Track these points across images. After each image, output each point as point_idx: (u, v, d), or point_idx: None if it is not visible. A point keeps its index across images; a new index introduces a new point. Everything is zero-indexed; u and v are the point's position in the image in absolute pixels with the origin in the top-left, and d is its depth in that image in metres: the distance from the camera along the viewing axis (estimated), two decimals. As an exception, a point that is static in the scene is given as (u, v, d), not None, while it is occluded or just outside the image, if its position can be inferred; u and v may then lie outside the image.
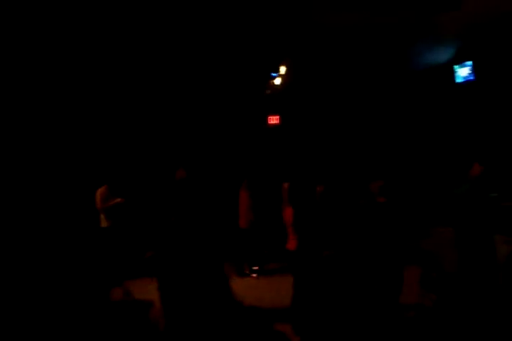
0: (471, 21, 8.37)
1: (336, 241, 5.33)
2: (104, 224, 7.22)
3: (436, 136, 10.50)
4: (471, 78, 9.88)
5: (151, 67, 9.22)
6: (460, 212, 5.07)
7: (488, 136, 9.86)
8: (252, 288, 6.87)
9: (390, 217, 4.54)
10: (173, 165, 8.48)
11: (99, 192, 7.22)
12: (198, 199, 7.85)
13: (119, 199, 7.26)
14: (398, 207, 4.67)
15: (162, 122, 9.99)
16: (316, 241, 4.80)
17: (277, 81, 10.26)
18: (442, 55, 10.19)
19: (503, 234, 6.32)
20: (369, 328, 3.24)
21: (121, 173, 8.02)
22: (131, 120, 9.62)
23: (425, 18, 8.39)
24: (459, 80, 10.25)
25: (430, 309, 4.39)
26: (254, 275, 7.84)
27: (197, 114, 10.26)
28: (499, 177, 8.81)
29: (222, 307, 2.01)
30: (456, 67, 10.24)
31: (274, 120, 11.03)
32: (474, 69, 9.79)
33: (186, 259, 2.19)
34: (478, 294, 4.19)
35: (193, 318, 1.96)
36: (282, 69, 10.04)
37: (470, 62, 9.84)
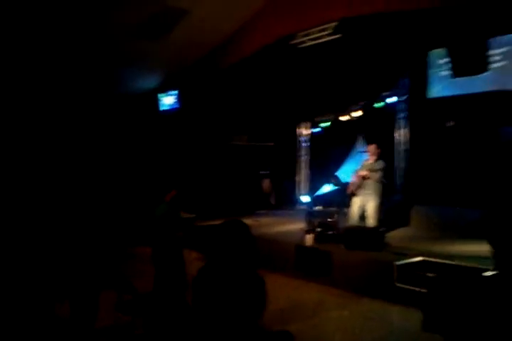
0: (177, 51, 9.01)
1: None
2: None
3: (139, 160, 10.73)
4: (176, 106, 10.56)
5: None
6: (156, 231, 5.30)
7: (187, 161, 10.74)
8: None
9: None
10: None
11: None
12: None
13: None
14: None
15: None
16: None
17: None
18: (149, 82, 10.62)
19: (196, 250, 6.90)
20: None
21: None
22: None
23: (133, 44, 8.62)
24: (163, 108, 10.84)
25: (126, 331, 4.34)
26: None
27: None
28: (196, 200, 9.72)
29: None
30: (160, 95, 10.79)
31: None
32: (179, 98, 10.49)
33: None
34: (171, 311, 4.32)
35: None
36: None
37: (175, 91, 10.52)
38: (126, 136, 10.71)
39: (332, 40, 7.52)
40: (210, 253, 2.60)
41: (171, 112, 10.71)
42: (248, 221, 9.63)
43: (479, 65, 6.12)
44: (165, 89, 10.71)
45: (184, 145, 10.80)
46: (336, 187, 8.30)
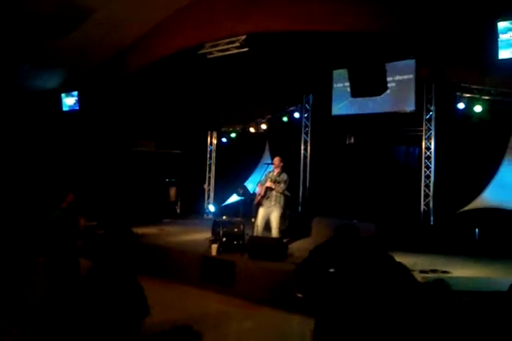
0: (80, 51, 8.61)
1: None
2: None
3: (38, 161, 10.06)
4: (76, 107, 10.11)
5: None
6: (49, 239, 4.99)
7: (89, 166, 10.27)
8: None
9: None
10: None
11: None
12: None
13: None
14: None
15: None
16: None
17: None
18: (51, 81, 10.06)
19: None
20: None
21: None
22: None
23: (37, 42, 8.11)
24: (65, 108, 10.33)
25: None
26: None
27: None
28: (100, 207, 9.31)
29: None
30: (63, 95, 10.28)
31: None
32: (79, 99, 10.05)
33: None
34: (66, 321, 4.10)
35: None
36: None
37: (76, 92, 10.07)
38: (24, 135, 9.99)
39: (242, 52, 7.69)
40: (95, 258, 2.76)
41: (72, 113, 10.22)
42: (153, 229, 9.54)
43: (376, 87, 6.61)
44: (68, 90, 10.21)
45: (86, 149, 10.32)
46: (243, 198, 8.42)
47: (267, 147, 10.72)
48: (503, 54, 5.78)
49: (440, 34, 6.36)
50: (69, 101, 10.27)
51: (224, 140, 11.71)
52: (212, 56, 7.98)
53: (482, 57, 6.12)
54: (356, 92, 6.96)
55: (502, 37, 5.78)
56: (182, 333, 2.59)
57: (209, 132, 11.85)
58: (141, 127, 10.84)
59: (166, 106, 10.38)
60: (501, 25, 5.78)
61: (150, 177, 11.18)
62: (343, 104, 9.30)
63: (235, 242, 7.00)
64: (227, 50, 7.72)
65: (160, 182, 11.43)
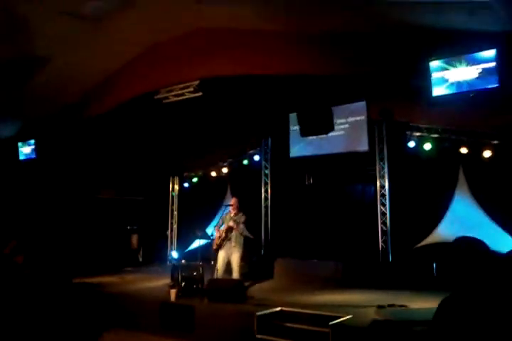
0: (36, 100, 8.67)
1: None
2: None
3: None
4: (33, 156, 10.05)
5: None
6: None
7: (42, 214, 10.04)
8: None
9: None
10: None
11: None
12: None
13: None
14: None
15: None
16: None
17: None
18: (7, 130, 10.03)
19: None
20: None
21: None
22: None
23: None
24: (22, 157, 10.24)
25: None
26: None
27: None
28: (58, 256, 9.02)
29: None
30: (19, 143, 10.24)
31: None
32: (36, 148, 10.01)
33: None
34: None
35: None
36: None
37: (33, 141, 10.04)
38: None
39: (198, 97, 7.92)
40: None
41: (29, 162, 10.14)
42: (113, 278, 9.30)
43: (323, 127, 6.91)
44: (25, 138, 10.18)
45: (43, 198, 10.13)
46: (205, 241, 8.34)
47: (229, 190, 10.79)
48: (437, 91, 6.19)
49: (384, 76, 6.75)
50: (25, 149, 10.21)
51: (186, 185, 11.73)
52: (167, 101, 8.19)
53: (422, 96, 6.50)
54: (305, 132, 7.24)
55: (434, 75, 6.21)
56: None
57: (171, 178, 11.87)
58: (101, 174, 10.78)
59: (127, 152, 10.41)
60: (433, 64, 6.23)
61: (111, 224, 10.99)
62: (300, 146, 9.56)
63: (195, 286, 6.87)
64: (183, 95, 7.94)
65: (121, 230, 11.23)
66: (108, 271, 9.57)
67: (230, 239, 7.28)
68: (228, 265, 7.28)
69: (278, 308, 6.09)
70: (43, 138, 9.95)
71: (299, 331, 5.70)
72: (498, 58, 5.64)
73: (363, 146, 8.81)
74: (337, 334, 5.20)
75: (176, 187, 11.93)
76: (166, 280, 7.86)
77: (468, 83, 5.89)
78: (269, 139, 10.27)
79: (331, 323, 5.24)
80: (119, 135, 9.81)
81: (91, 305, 6.80)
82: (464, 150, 7.72)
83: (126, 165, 10.74)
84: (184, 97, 7.94)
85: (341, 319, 5.39)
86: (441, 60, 6.16)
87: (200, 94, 7.74)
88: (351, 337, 5.18)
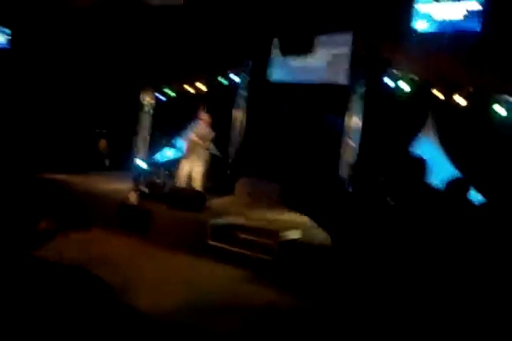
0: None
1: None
2: None
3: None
4: (7, 46, 9.63)
5: None
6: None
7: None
8: None
9: None
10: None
11: None
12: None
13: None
14: None
15: None
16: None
17: None
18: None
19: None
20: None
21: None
22: None
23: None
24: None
25: None
26: None
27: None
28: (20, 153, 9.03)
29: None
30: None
31: None
32: (12, 38, 9.57)
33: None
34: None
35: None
36: None
37: (9, 31, 9.55)
38: None
39: (181, 6, 7.59)
40: None
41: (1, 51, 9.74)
42: (77, 178, 9.35)
43: (302, 49, 6.88)
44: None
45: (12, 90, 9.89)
46: (173, 151, 8.47)
47: (204, 107, 10.74)
48: (419, 25, 6.13)
49: (371, 8, 6.62)
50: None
51: (162, 98, 11.57)
52: (151, 3, 7.80)
53: (407, 33, 6.46)
54: (285, 51, 7.22)
55: (419, 7, 6.10)
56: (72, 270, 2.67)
57: (145, 87, 11.62)
58: (74, 74, 10.48)
59: (104, 52, 10.03)
60: None
61: (79, 126, 10.88)
62: (281, 72, 9.47)
63: (156, 192, 7.13)
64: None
65: (89, 133, 11.13)
66: (73, 170, 9.68)
67: (193, 152, 7.43)
68: (190, 178, 7.51)
69: (231, 219, 6.47)
70: (19, 28, 9.47)
71: (248, 241, 6.13)
72: (486, 1, 5.59)
73: (343, 79, 8.80)
74: (283, 248, 5.65)
75: (149, 97, 11.74)
76: (129, 185, 8.10)
77: (452, 23, 5.87)
78: (251, 61, 10.08)
79: (279, 236, 5.65)
80: (98, 34, 9.41)
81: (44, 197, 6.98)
82: (436, 94, 7.78)
83: (102, 67, 10.42)
84: (166, 3, 7.56)
85: (287, 234, 5.81)
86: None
87: (181, 2, 7.41)
88: (295, 250, 5.64)
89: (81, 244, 5.69)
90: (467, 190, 4.16)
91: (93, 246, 5.90)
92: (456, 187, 3.86)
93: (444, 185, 3.65)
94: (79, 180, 9.00)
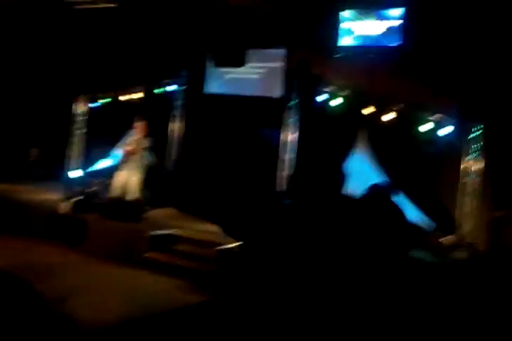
0: None
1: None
2: None
3: None
4: None
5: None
6: None
7: None
8: None
9: None
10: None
11: None
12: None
13: None
14: None
15: None
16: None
17: None
18: None
19: None
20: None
21: None
22: None
23: None
24: None
25: None
26: None
27: None
28: None
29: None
30: None
31: None
32: None
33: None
34: None
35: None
36: None
37: None
38: None
39: (114, 9, 7.46)
40: None
41: None
42: (4, 186, 8.99)
43: (234, 62, 7.18)
44: None
45: None
46: (111, 163, 8.32)
47: (139, 116, 10.66)
48: (344, 41, 6.61)
49: (303, 23, 7.00)
50: None
51: (95, 105, 11.32)
52: (79, 7, 7.59)
53: (334, 49, 6.86)
54: (219, 63, 7.49)
55: (343, 26, 6.60)
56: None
57: (78, 95, 11.34)
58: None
59: (32, 55, 9.69)
60: (344, 14, 6.61)
61: (10, 135, 10.46)
62: (216, 83, 9.70)
63: (89, 201, 7.04)
64: (95, 2, 7.38)
65: (20, 142, 10.71)
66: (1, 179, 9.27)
67: (128, 163, 7.39)
68: (126, 188, 7.44)
69: (170, 231, 6.52)
70: None
71: (187, 252, 6.20)
72: (406, 17, 6.12)
73: (277, 93, 9.15)
74: (221, 258, 5.78)
75: (83, 107, 11.44)
76: (60, 195, 7.89)
77: (373, 38, 6.37)
78: (187, 72, 10.18)
79: (217, 248, 5.78)
80: (23, 36, 8.99)
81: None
82: (366, 111, 8.21)
83: (32, 73, 10.03)
84: (97, 6, 7.40)
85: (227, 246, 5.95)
86: (352, 11, 6.55)
87: (114, 4, 7.32)
88: (233, 260, 5.80)
89: (7, 251, 5.57)
90: (388, 195, 4.65)
91: (19, 255, 5.77)
92: (375, 193, 4.29)
93: (365, 192, 4.10)
94: (6, 189, 8.64)
